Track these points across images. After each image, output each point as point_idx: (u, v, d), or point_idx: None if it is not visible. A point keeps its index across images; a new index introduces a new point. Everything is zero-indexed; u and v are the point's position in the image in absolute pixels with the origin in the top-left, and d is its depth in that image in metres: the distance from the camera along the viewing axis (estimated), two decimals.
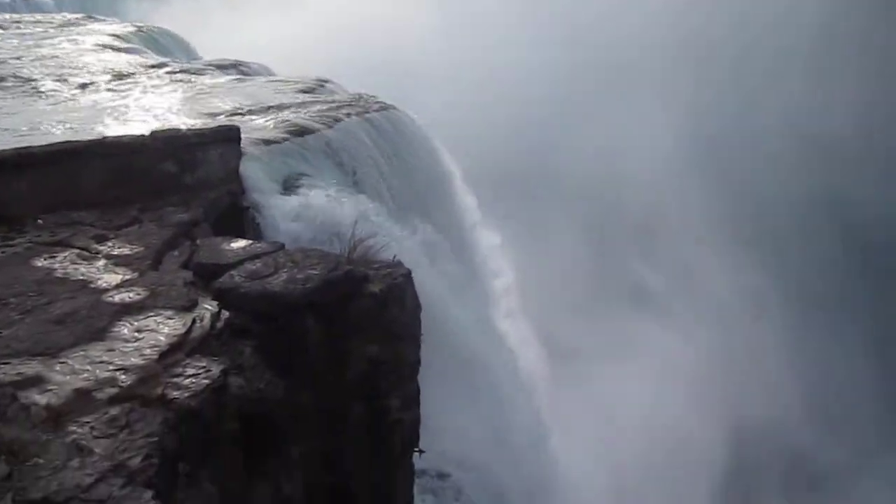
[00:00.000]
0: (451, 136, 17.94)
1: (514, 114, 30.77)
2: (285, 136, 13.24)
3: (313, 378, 8.76)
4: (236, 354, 7.71)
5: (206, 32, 31.60)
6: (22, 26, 27.72)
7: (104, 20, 30.23)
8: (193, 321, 7.56)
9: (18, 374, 6.59)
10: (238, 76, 19.28)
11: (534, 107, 31.58)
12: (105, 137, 10.91)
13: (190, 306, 7.83)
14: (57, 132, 12.95)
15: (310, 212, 11.11)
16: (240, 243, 9.32)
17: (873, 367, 26.07)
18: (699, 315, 26.80)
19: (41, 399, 6.27)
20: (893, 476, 23.13)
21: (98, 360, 6.91)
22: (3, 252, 8.95)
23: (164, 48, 25.82)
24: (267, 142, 12.71)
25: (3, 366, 6.68)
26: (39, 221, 9.64)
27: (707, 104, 33.50)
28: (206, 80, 18.35)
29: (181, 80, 18.13)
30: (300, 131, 13.62)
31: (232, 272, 8.66)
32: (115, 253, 9.00)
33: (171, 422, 6.24)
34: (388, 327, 9.22)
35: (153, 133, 11.13)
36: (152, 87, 17.34)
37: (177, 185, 10.66)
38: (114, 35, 25.20)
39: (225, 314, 7.89)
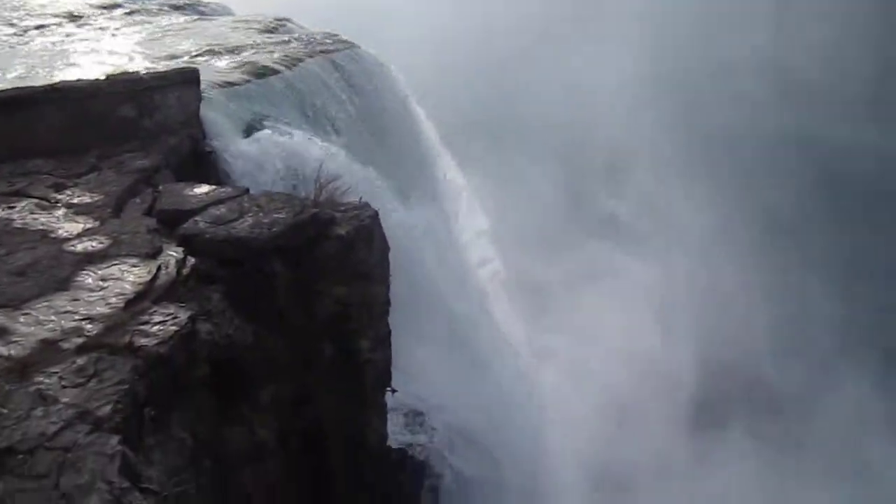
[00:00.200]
0: (415, 77, 17.68)
1: (480, 55, 30.37)
2: (246, 77, 12.95)
3: (282, 322, 8.78)
4: (204, 300, 7.68)
5: None
6: None
7: None
8: (159, 268, 7.49)
9: None
10: (196, 16, 18.72)
11: (499, 48, 31.18)
12: (59, 82, 10.56)
13: (154, 253, 7.75)
14: (9, 78, 12.53)
15: (274, 155, 10.94)
16: (203, 189, 9.19)
17: (838, 295, 26.77)
18: (670, 245, 27.18)
19: (5, 350, 6.20)
20: (852, 400, 24.02)
21: (63, 310, 6.83)
22: None
23: None
24: (228, 84, 12.43)
25: None
26: None
27: (673, 43, 33.33)
28: (163, 20, 17.80)
29: (137, 21, 17.56)
30: (261, 73, 13.33)
31: (196, 218, 8.56)
32: (75, 201, 8.83)
33: (141, 369, 6.22)
34: (356, 269, 9.21)
35: (109, 77, 10.81)
36: (107, 28, 16.78)
37: (135, 131, 10.42)
38: None
39: (191, 260, 7.82)
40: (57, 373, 6.01)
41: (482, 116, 28.34)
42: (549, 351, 21.76)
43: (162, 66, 12.82)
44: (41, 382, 5.86)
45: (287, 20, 17.71)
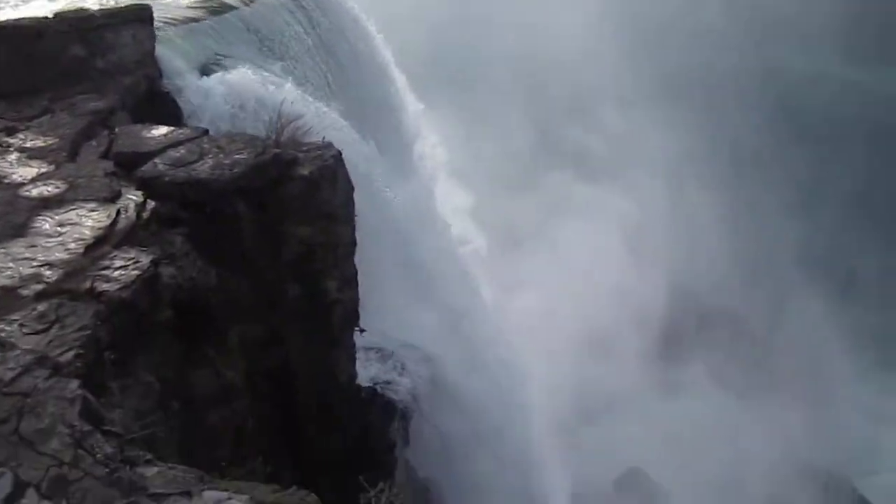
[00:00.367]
0: (376, 15, 17.24)
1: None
2: (202, 14, 12.53)
3: (247, 264, 8.72)
4: (166, 244, 7.58)
5: None
6: None
7: None
8: (118, 212, 7.35)
9: None
10: None
11: None
12: (3, 21, 10.13)
13: (113, 197, 7.59)
14: None
15: (233, 95, 10.68)
16: (161, 130, 8.98)
17: (799, 220, 27.36)
18: (638, 176, 27.39)
19: None
20: (809, 326, 24.79)
21: (20, 256, 6.70)
22: None
23: None
24: (183, 21, 12.02)
25: None
26: None
27: None
28: None
29: None
30: (218, 10, 12.89)
31: (155, 160, 8.39)
32: (28, 145, 8.58)
33: (103, 314, 6.16)
34: (320, 209, 9.14)
35: (57, 14, 10.37)
36: None
37: (88, 71, 10.08)
38: None
39: (151, 204, 7.68)
40: (17, 320, 5.93)
41: (447, 59, 27.94)
42: (521, 283, 22.01)
43: (113, 3, 12.35)
44: (2, 330, 5.78)
45: None
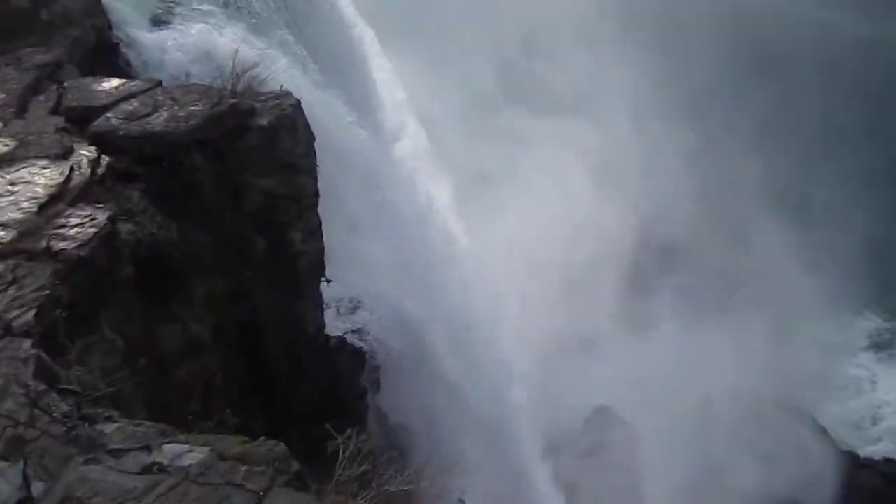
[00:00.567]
0: None
1: None
2: None
3: (209, 217, 8.60)
4: (123, 200, 7.43)
5: None
6: None
7: None
8: (71, 169, 7.17)
9: None
10: None
11: None
12: None
13: (65, 153, 7.40)
14: None
15: (186, 44, 10.35)
16: (112, 83, 8.70)
17: (759, 153, 27.71)
18: (601, 111, 27.36)
19: None
20: (771, 258, 25.36)
21: None
22: None
23: None
24: None
25: None
26: None
27: None
28: None
29: None
30: None
31: (107, 114, 8.15)
32: None
33: (62, 273, 6.06)
34: (281, 159, 9.01)
35: None
36: None
37: (32, 24, 9.67)
38: None
39: (105, 159, 7.51)
40: None
41: (403, 6, 27.28)
42: (488, 221, 22.06)
43: None
44: None
45: None
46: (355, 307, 12.30)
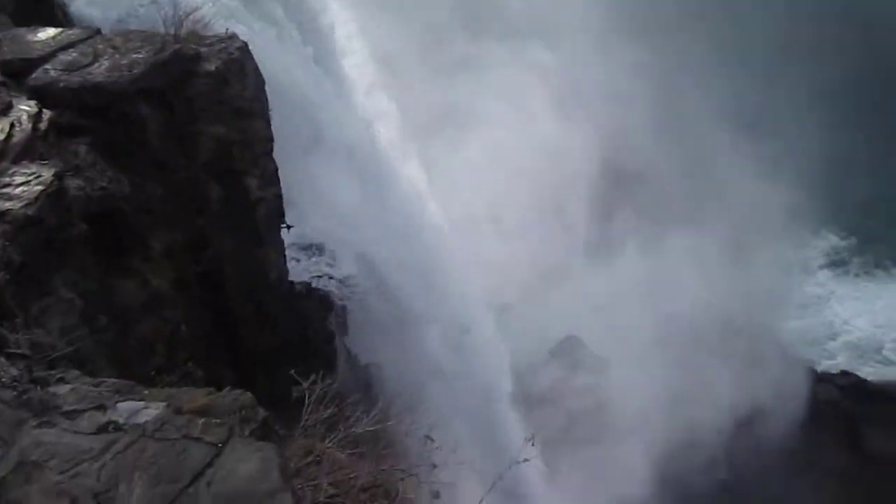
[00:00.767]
0: None
1: None
2: None
3: (161, 168, 8.41)
4: (69, 155, 7.23)
5: None
6: None
7: None
8: (12, 125, 6.92)
9: None
10: None
11: None
12: None
13: (4, 110, 7.12)
14: None
15: None
16: (48, 32, 8.34)
17: (720, 74, 27.77)
18: (564, 36, 27.03)
19: None
20: (730, 176, 25.63)
21: None
22: None
23: None
24: None
25: None
26: None
27: None
28: None
29: None
30: None
31: (45, 66, 7.84)
32: None
33: (9, 234, 5.91)
34: (232, 105, 8.79)
35: None
36: None
37: None
38: None
39: (47, 113, 7.24)
40: None
41: None
42: (452, 153, 21.93)
43: None
44: None
45: None
46: (319, 251, 12.23)
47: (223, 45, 8.81)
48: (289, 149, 10.44)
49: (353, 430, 5.01)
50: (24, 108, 7.17)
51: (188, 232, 8.91)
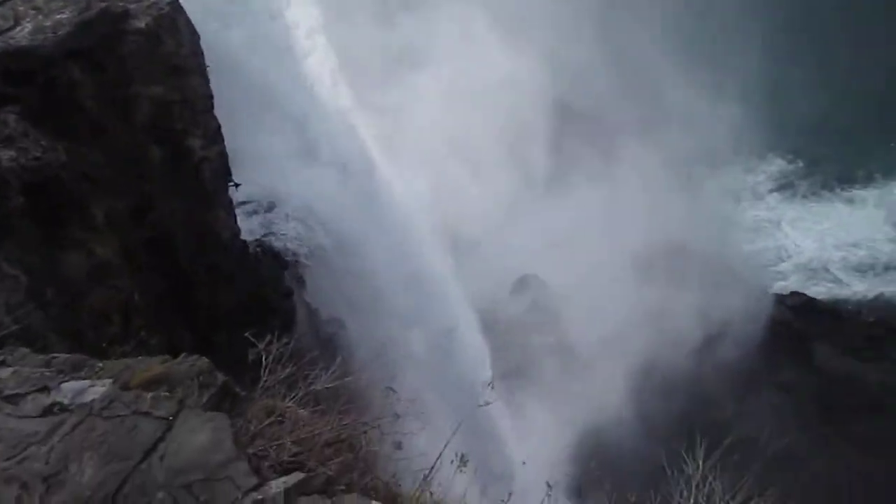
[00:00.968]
0: None
1: None
2: None
3: (98, 133, 8.14)
4: None
5: None
6: None
7: None
8: None
9: None
10: None
11: None
12: None
13: None
14: None
15: None
16: None
17: (657, 14, 27.63)
18: None
19: None
20: (677, 105, 25.81)
21: None
22: None
23: None
24: None
25: None
26: None
27: None
28: None
29: None
30: None
31: None
32: None
33: None
34: (167, 63, 8.51)
35: None
36: None
37: None
38: None
39: None
40: None
41: None
42: (407, 95, 21.62)
43: None
44: None
45: None
46: (270, 208, 12.03)
47: (152, 0, 8.48)
48: (229, 106, 10.18)
49: (313, 387, 5.00)
50: None
51: (132, 197, 8.68)
